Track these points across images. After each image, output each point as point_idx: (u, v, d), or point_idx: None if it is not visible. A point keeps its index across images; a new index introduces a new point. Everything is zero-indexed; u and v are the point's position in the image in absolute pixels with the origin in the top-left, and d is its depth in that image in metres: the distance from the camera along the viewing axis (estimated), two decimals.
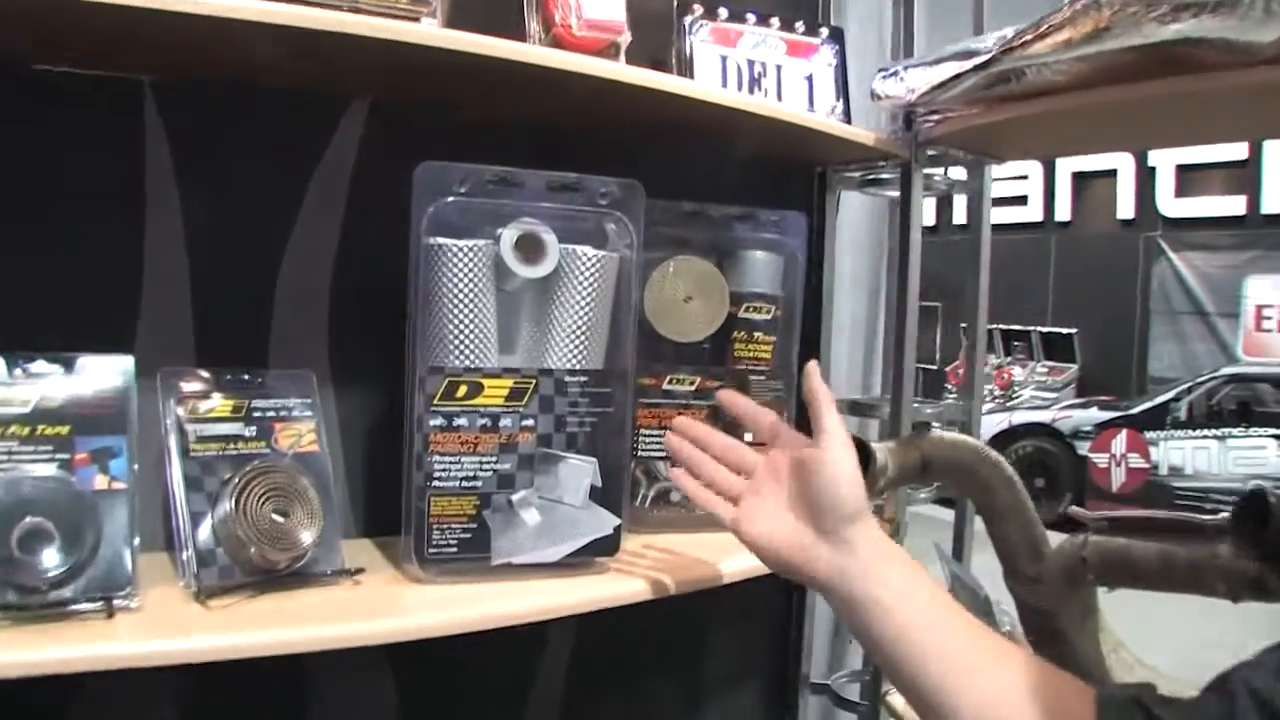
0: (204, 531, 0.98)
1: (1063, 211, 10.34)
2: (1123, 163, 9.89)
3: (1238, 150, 9.16)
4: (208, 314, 1.13)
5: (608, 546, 1.12)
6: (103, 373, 0.96)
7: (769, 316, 1.36)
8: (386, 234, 1.08)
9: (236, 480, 0.99)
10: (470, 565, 1.06)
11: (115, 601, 0.88)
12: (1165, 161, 9.63)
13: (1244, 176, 9.30)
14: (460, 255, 1.04)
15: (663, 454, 1.31)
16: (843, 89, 1.49)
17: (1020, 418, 7.80)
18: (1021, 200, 10.04)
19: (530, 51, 1.02)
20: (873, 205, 1.99)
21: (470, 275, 1.05)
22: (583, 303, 1.10)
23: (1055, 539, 1.30)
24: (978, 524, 1.62)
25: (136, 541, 0.92)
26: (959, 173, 1.68)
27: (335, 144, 1.21)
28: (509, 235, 1.07)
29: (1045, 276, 10.19)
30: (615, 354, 1.14)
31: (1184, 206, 9.69)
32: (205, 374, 1.06)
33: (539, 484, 1.09)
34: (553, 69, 1.04)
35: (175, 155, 1.11)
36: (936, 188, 1.62)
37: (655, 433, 1.31)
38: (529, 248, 1.07)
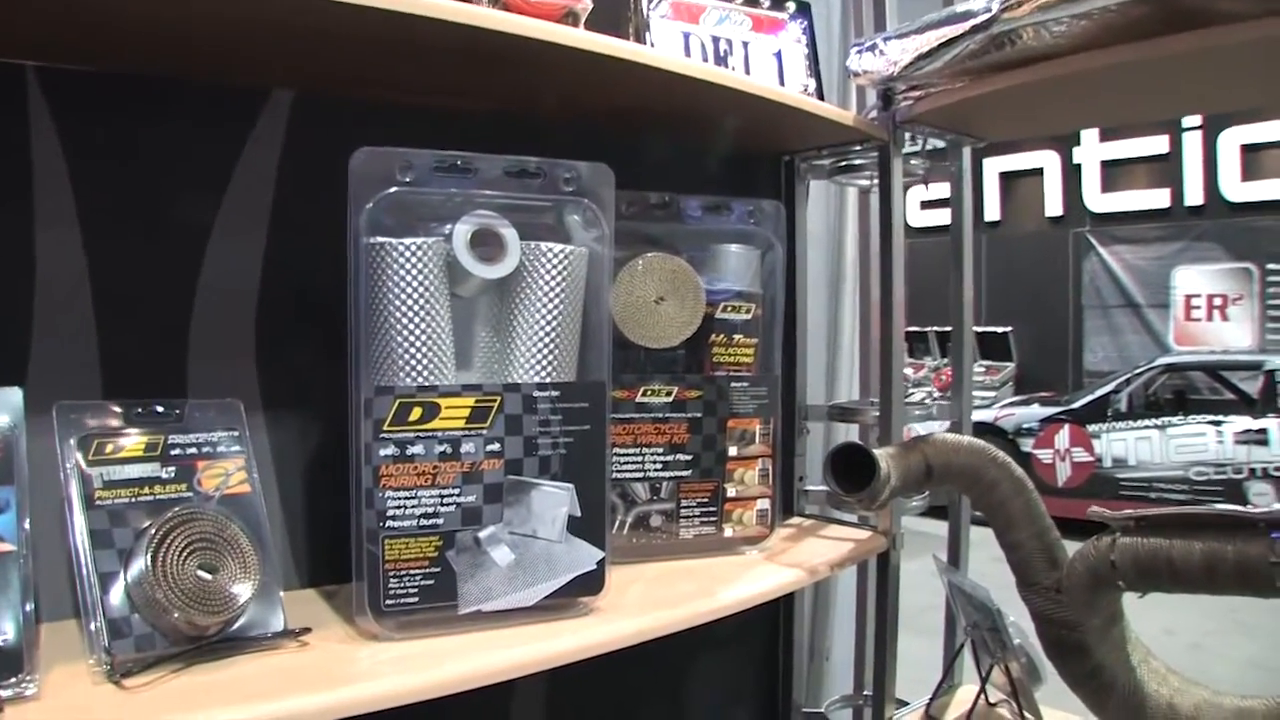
0: (116, 596, 0.82)
1: (991, 211, 10.41)
2: (1048, 160, 10.02)
3: (1159, 144, 9.33)
4: (113, 337, 0.99)
5: (591, 584, 0.98)
6: None
7: (749, 316, 1.24)
8: (320, 238, 0.96)
9: (153, 532, 0.84)
10: (434, 616, 0.92)
11: (4, 691, 0.73)
12: (1090, 158, 9.78)
13: (1166, 170, 9.46)
14: (406, 256, 0.90)
15: (639, 475, 1.18)
16: (814, 67, 1.37)
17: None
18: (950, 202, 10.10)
19: (472, 12, 0.88)
20: (827, 197, 1.88)
21: (419, 279, 0.90)
22: (550, 306, 0.96)
23: None
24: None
25: (30, 612, 0.76)
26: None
27: (255, 140, 1.08)
28: (462, 231, 0.93)
29: (977, 276, 10.25)
30: (588, 364, 1.00)
31: (1110, 201, 9.82)
32: (112, 407, 0.91)
33: (509, 517, 0.95)
34: (498, 33, 0.90)
35: (68, 156, 0.97)
36: (913, 173, 1.50)
37: (630, 452, 1.18)
38: (486, 245, 0.94)
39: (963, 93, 1.28)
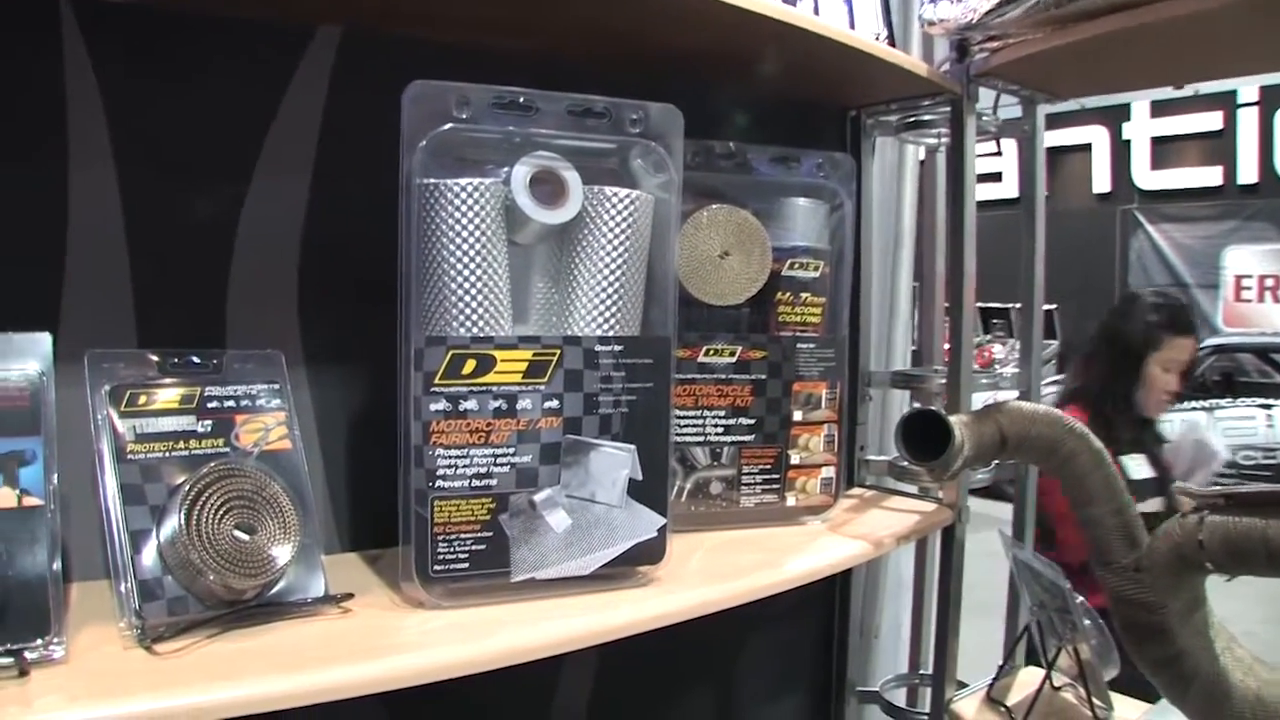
0: (148, 556, 0.77)
1: None
2: (1097, 136, 9.86)
3: (1212, 120, 9.16)
4: (149, 283, 0.94)
5: (651, 553, 0.93)
6: (10, 356, 0.76)
7: (817, 274, 1.17)
8: (368, 181, 0.90)
9: (187, 488, 0.78)
10: (485, 583, 0.87)
11: (30, 654, 0.68)
12: (1140, 133, 9.61)
13: (1219, 147, 9.29)
14: (462, 197, 0.84)
15: (700, 439, 1.12)
16: (886, 15, 1.30)
17: (1004, 397, 7.66)
18: (996, 177, 9.99)
19: None
20: (887, 157, 1.80)
21: (475, 222, 0.84)
22: (613, 255, 0.90)
23: None
24: None
25: (58, 571, 0.71)
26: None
27: (300, 78, 1.02)
28: (522, 172, 0.87)
29: (1025, 251, 10.15)
30: (651, 319, 0.94)
31: (1160, 179, 9.67)
32: (147, 356, 0.85)
33: (567, 479, 0.89)
34: None
35: (104, 93, 0.91)
36: (984, 129, 1.42)
37: (691, 414, 1.12)
38: (546, 187, 0.88)
39: (1044, 43, 1.20)
